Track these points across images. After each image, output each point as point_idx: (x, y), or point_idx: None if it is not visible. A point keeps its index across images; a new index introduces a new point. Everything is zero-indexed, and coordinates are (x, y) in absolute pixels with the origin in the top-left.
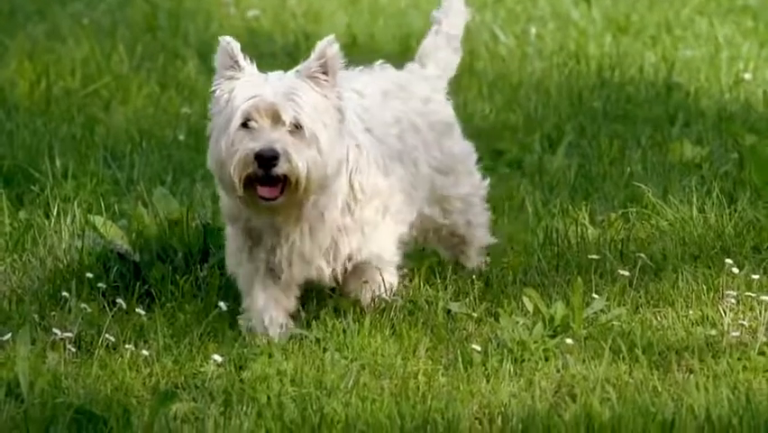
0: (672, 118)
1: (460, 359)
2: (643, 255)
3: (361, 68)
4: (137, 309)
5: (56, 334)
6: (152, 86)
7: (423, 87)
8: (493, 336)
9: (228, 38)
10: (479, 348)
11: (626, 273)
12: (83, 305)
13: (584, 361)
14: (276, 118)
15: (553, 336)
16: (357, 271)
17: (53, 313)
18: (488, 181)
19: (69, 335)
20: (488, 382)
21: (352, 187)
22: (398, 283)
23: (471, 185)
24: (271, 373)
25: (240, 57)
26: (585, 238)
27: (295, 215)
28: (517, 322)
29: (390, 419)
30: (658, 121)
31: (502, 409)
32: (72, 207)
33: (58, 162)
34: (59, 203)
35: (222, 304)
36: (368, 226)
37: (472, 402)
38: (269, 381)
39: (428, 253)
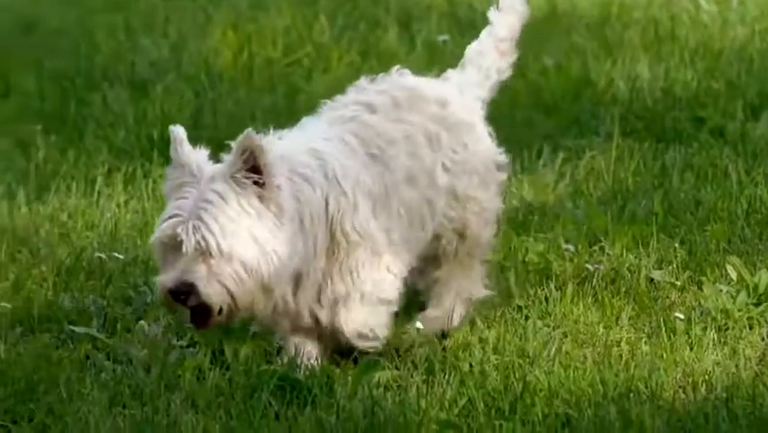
0: None
1: (663, 327)
2: None
3: (379, 76)
4: None
5: None
6: (353, 55)
7: (440, 90)
8: (696, 304)
9: (175, 128)
10: (682, 316)
11: None
12: None
13: None
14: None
15: (757, 305)
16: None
17: None
18: (502, 207)
19: None
20: (691, 350)
21: (333, 235)
22: (388, 327)
23: (487, 195)
24: (474, 342)
25: (181, 149)
26: None
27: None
28: (721, 290)
29: (593, 388)
30: None
31: (706, 377)
32: None
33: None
34: None
35: None
36: (356, 270)
37: (676, 371)
38: (471, 349)
39: (631, 221)
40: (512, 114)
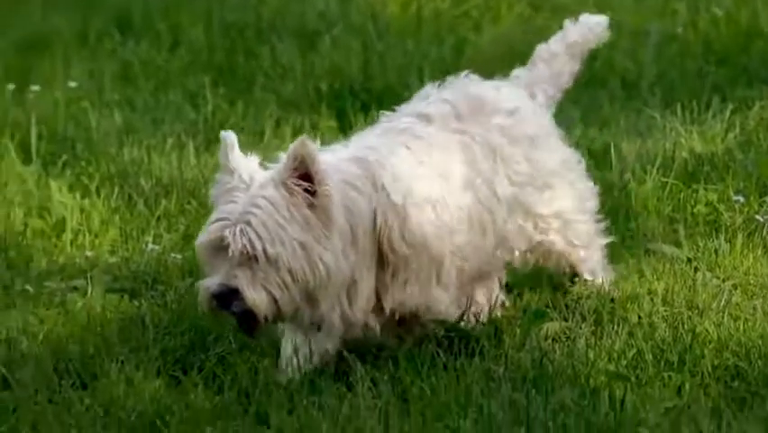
0: None
1: None
2: None
3: (450, 79)
4: None
5: None
6: (523, 6)
7: (508, 99)
8: None
9: (227, 133)
10: None
11: None
12: None
13: None
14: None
15: None
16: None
17: None
18: (595, 191)
19: None
20: None
21: (381, 247)
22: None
23: (572, 198)
24: (642, 293)
25: (231, 155)
26: None
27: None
28: None
29: (763, 339)
30: None
31: None
32: None
33: (427, 83)
34: None
35: None
36: (411, 285)
37: None
38: (640, 300)
39: None
40: (682, 64)
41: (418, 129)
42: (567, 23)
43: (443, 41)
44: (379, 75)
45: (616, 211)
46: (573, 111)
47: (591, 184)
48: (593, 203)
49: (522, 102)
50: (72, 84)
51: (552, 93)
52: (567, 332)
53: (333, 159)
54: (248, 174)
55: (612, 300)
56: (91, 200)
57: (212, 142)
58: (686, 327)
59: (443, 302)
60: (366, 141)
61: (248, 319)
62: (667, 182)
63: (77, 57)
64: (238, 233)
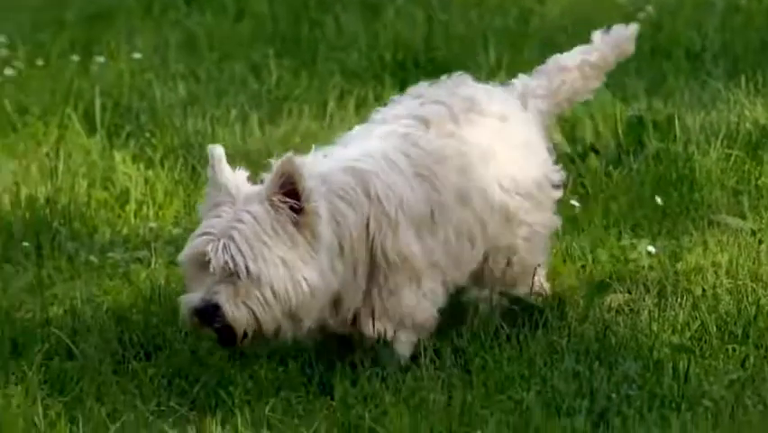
0: None
1: None
2: None
3: (442, 78)
4: (571, 201)
5: None
6: None
7: (499, 105)
8: None
9: (214, 146)
10: None
11: None
12: None
13: None
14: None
15: None
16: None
17: None
18: (558, 223)
19: None
20: None
21: (373, 256)
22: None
23: (540, 218)
24: (706, 265)
25: (219, 168)
26: None
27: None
28: None
29: None
30: None
31: None
32: None
33: (492, 54)
34: None
35: (658, 199)
36: (397, 292)
37: None
38: (704, 272)
39: None
40: (746, 36)
41: (418, 135)
42: (596, 35)
43: (507, 11)
44: (442, 45)
45: (680, 183)
46: (637, 82)
47: (556, 218)
48: (547, 234)
49: (512, 109)
50: (137, 55)
51: (545, 108)
52: (630, 304)
53: (326, 167)
54: (235, 188)
55: (676, 272)
56: (155, 171)
57: (276, 114)
58: (750, 299)
59: (424, 309)
60: (366, 146)
61: (228, 336)
62: (731, 154)
63: (141, 28)
64: (220, 248)
